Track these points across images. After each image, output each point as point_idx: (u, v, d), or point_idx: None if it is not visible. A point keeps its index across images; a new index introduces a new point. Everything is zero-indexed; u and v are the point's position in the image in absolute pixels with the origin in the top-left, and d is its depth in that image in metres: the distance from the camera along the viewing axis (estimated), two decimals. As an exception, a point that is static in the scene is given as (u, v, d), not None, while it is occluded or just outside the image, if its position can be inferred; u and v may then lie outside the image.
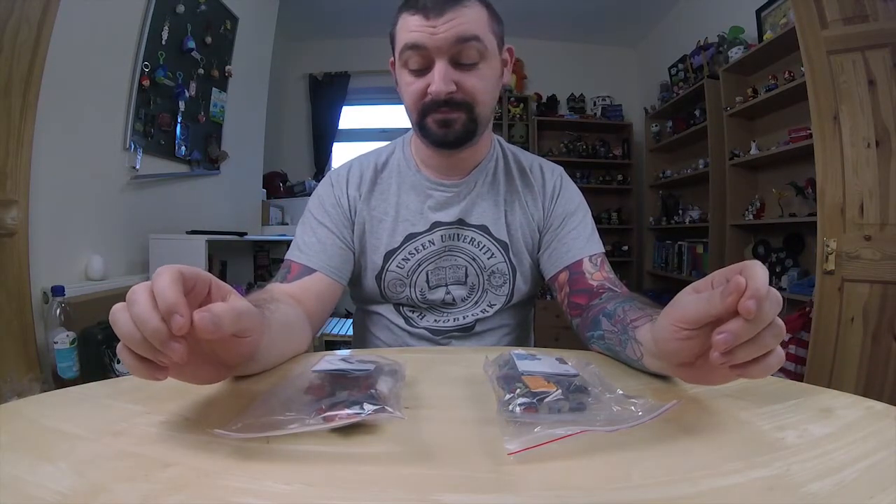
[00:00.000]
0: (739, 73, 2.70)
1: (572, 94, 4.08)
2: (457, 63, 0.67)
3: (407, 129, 0.85)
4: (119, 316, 0.32)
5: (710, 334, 0.34)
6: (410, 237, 0.78)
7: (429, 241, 0.78)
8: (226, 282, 0.38)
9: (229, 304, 0.35)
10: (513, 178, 0.82)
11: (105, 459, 0.31)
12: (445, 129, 0.70)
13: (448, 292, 0.80)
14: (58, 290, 1.39)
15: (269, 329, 0.46)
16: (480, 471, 0.31)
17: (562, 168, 0.86)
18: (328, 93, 3.98)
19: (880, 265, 1.47)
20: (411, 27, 0.66)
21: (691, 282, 0.40)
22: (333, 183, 0.80)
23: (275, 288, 0.69)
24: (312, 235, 0.76)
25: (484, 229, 0.79)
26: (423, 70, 0.68)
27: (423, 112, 0.70)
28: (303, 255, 0.74)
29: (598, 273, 0.74)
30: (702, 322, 0.36)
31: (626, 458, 0.32)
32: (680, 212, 3.49)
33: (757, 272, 0.33)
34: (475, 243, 0.79)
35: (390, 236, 0.78)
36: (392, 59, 0.76)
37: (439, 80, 0.66)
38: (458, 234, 0.79)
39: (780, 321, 0.34)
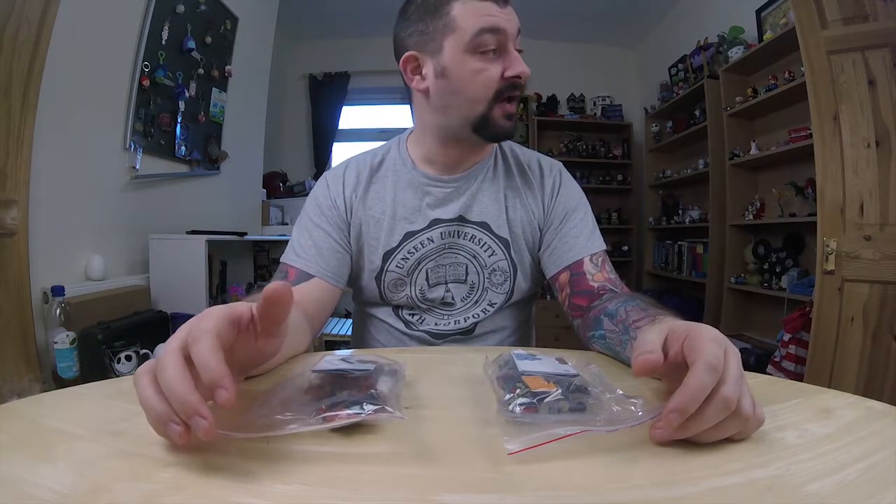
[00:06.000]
0: (739, 73, 2.70)
1: (572, 94, 4.08)
2: None
3: (405, 130, 0.84)
4: (144, 390, 0.32)
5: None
6: (409, 236, 0.77)
7: (427, 239, 0.77)
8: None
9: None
10: (512, 174, 0.81)
11: (105, 459, 0.31)
12: (510, 122, 0.71)
13: (447, 290, 0.79)
14: (58, 290, 1.39)
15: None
16: (480, 471, 0.31)
17: (560, 163, 0.85)
18: (328, 93, 3.98)
19: (880, 265, 1.47)
20: (487, 12, 0.66)
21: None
22: (329, 184, 0.79)
23: None
24: (309, 238, 0.76)
25: (485, 226, 0.78)
26: (494, 55, 0.68)
27: (497, 98, 0.69)
28: (299, 260, 0.74)
29: (600, 274, 0.74)
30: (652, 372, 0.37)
31: (626, 458, 0.32)
32: (680, 212, 3.48)
33: (697, 375, 0.32)
34: (476, 240, 0.78)
35: (388, 235, 0.77)
36: (412, 52, 0.70)
37: (522, 62, 0.67)
38: (458, 232, 0.78)
39: (746, 408, 0.33)
